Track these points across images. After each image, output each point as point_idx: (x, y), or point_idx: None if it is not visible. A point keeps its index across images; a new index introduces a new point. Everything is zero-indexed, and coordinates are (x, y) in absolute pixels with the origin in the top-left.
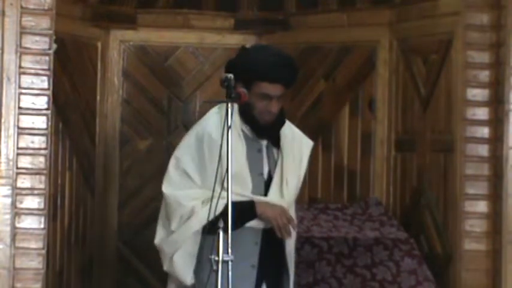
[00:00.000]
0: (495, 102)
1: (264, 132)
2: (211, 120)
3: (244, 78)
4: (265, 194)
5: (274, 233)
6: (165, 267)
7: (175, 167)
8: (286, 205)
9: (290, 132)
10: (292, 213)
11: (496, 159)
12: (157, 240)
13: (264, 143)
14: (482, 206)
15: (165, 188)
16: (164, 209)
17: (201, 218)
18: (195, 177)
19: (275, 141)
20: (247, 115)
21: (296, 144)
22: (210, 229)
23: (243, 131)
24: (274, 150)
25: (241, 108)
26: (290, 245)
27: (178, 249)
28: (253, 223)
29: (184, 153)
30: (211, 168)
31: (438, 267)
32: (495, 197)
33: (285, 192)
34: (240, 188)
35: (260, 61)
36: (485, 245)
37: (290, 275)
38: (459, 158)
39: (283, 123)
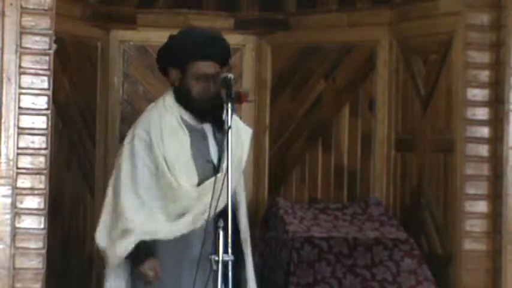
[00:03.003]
0: (495, 102)
1: (204, 115)
2: (151, 117)
3: (178, 61)
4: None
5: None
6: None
7: (131, 179)
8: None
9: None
10: (241, 187)
11: (496, 159)
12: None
13: (209, 129)
14: (482, 206)
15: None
16: (113, 204)
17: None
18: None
19: (219, 126)
20: (184, 101)
21: (235, 129)
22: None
23: (183, 119)
24: (220, 135)
25: (177, 94)
26: (244, 232)
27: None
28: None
29: (136, 160)
30: (168, 159)
31: (438, 267)
32: (495, 197)
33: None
34: (186, 176)
35: (191, 41)
36: (485, 245)
37: (247, 263)
38: (459, 158)
39: (222, 106)
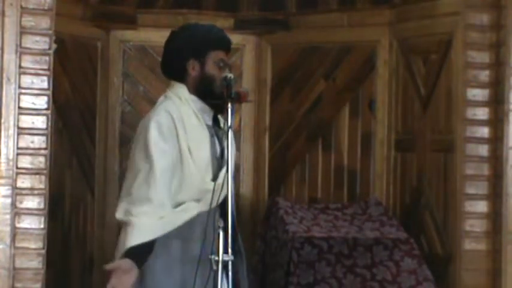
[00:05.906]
0: (495, 102)
1: (223, 105)
2: (169, 107)
3: (196, 52)
4: (217, 175)
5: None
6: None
7: (160, 175)
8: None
9: None
10: None
11: (496, 159)
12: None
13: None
14: (482, 206)
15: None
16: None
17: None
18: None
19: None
20: (207, 91)
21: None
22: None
23: (198, 116)
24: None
25: (199, 87)
26: None
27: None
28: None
29: (159, 156)
30: (192, 152)
31: (438, 267)
32: (495, 197)
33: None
34: (206, 171)
35: (208, 31)
36: (485, 245)
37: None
38: (459, 158)
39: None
